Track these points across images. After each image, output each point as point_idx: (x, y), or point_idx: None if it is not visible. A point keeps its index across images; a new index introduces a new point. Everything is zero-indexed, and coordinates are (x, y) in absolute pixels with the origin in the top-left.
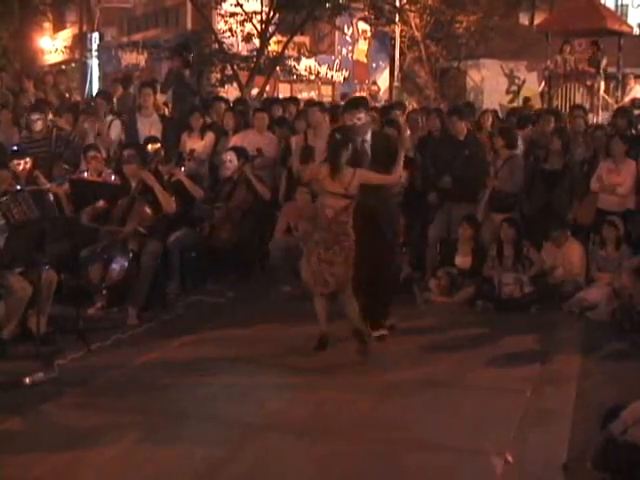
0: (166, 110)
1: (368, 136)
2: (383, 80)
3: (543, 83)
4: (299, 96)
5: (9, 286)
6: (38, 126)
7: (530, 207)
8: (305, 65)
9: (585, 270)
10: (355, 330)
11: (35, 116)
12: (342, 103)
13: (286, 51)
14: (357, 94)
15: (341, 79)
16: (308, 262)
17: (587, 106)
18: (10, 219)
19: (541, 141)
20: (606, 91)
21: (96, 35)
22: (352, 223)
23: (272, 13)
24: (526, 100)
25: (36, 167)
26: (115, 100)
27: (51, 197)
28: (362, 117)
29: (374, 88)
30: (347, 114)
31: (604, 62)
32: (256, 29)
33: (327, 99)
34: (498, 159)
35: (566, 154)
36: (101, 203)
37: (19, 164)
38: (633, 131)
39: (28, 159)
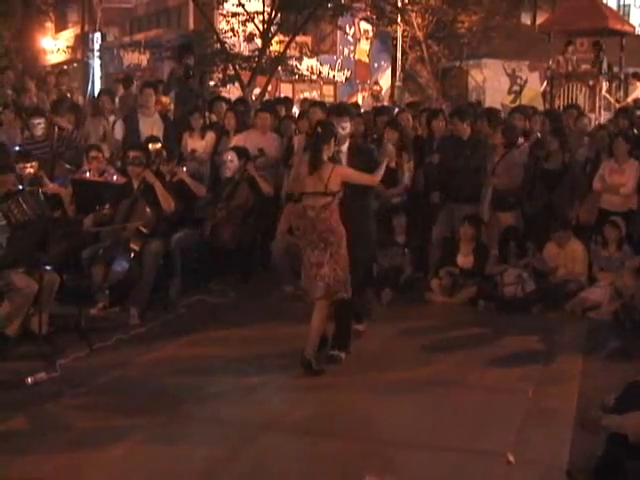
0: (171, 107)
1: (344, 147)
2: (385, 80)
3: (545, 83)
4: (301, 96)
5: (12, 284)
6: (39, 130)
7: (532, 207)
8: (307, 65)
9: (587, 270)
10: (303, 355)
11: (36, 120)
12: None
13: (288, 51)
14: (359, 94)
15: (343, 79)
16: (304, 267)
17: (587, 106)
18: (12, 219)
19: (541, 141)
20: (608, 91)
21: (98, 35)
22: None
23: (274, 13)
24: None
25: (40, 168)
26: (117, 100)
27: (41, 196)
28: (347, 126)
29: (376, 88)
30: (335, 120)
31: (605, 62)
32: (258, 29)
33: (329, 99)
34: (496, 156)
35: (564, 153)
36: (106, 209)
37: (25, 167)
38: (635, 131)
39: (34, 162)
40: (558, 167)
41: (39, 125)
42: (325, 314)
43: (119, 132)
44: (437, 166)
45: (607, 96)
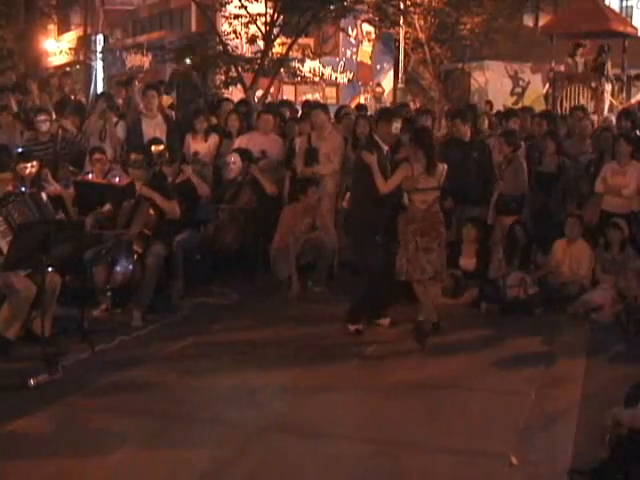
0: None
1: None
2: (387, 82)
3: (547, 85)
4: (303, 98)
5: (12, 286)
6: (44, 127)
7: (528, 209)
8: (309, 67)
9: (591, 272)
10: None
11: (41, 117)
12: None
13: (290, 53)
14: (361, 96)
15: (345, 81)
16: (405, 251)
17: (590, 108)
18: (12, 223)
19: (536, 143)
20: (611, 93)
21: (101, 37)
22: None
23: (276, 15)
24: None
25: (43, 168)
26: (120, 102)
27: (45, 197)
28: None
29: (378, 90)
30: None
31: (609, 65)
32: (260, 31)
33: (331, 101)
34: (502, 161)
35: (560, 157)
36: (107, 208)
37: (26, 167)
38: (638, 132)
39: (35, 162)
40: (552, 170)
41: (45, 122)
42: (430, 292)
43: (121, 133)
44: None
45: (610, 98)
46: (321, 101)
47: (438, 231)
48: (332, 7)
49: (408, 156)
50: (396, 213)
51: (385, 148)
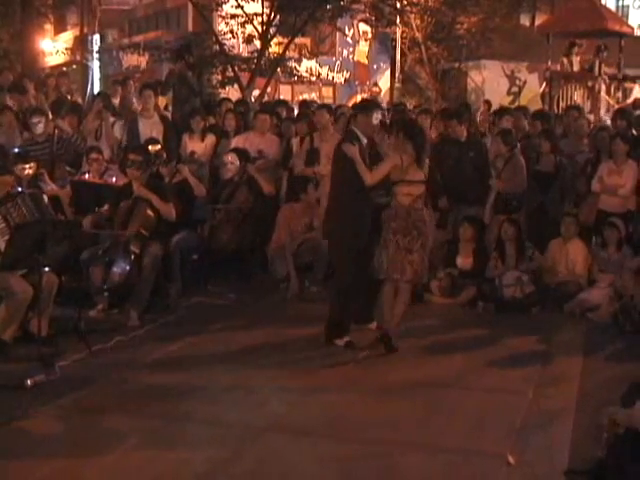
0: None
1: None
2: (384, 81)
3: (544, 84)
4: (300, 97)
5: (10, 288)
6: (39, 129)
7: (525, 208)
8: (306, 66)
9: (587, 271)
10: (382, 332)
11: (36, 119)
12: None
13: (287, 52)
14: (358, 96)
15: (342, 80)
16: (386, 250)
17: (587, 107)
18: (10, 222)
19: (532, 143)
20: (607, 93)
21: (97, 37)
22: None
23: (273, 15)
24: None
25: (39, 169)
26: (117, 102)
27: (45, 198)
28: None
29: (375, 89)
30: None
31: (602, 66)
32: (257, 31)
33: (328, 101)
34: (499, 160)
35: (556, 156)
36: (105, 208)
37: (24, 168)
38: (634, 132)
39: (33, 163)
40: (550, 169)
41: (39, 124)
42: (409, 296)
43: (118, 133)
44: (440, 169)
45: (606, 97)
46: (318, 101)
47: (420, 230)
48: (329, 7)
49: (387, 148)
50: (379, 214)
51: (364, 140)
